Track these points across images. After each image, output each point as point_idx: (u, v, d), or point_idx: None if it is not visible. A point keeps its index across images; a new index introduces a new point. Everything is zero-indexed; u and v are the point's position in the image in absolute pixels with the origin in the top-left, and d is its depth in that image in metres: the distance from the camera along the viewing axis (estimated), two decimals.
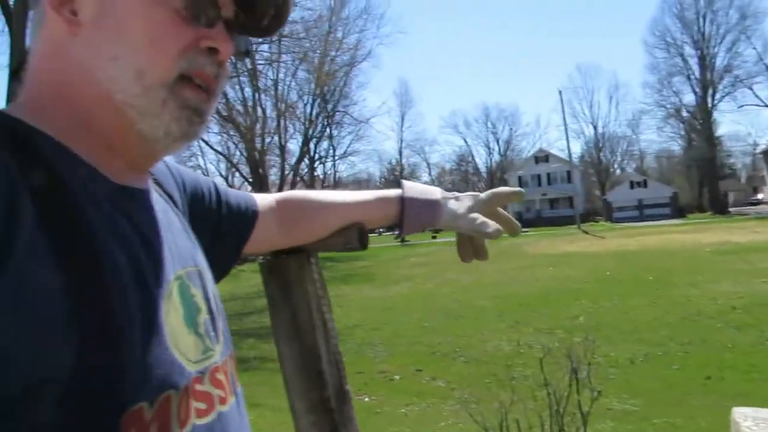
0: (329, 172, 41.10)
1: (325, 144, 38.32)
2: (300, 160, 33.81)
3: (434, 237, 33.43)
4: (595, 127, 66.19)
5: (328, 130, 36.12)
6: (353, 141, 40.54)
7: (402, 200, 0.94)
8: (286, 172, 32.59)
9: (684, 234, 23.25)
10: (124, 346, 0.49)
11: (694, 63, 53.48)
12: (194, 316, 0.61)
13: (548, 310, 9.99)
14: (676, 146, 63.58)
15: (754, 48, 49.34)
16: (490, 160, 69.09)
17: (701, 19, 52.47)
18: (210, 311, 0.65)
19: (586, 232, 30.51)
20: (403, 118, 61.44)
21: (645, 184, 54.09)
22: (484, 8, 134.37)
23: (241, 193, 0.93)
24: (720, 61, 52.01)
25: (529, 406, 3.66)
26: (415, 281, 15.94)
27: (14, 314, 0.43)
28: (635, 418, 4.99)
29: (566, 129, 42.98)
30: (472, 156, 70.80)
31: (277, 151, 32.22)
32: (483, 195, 0.95)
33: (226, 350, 0.66)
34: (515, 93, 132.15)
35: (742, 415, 2.37)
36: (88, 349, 0.46)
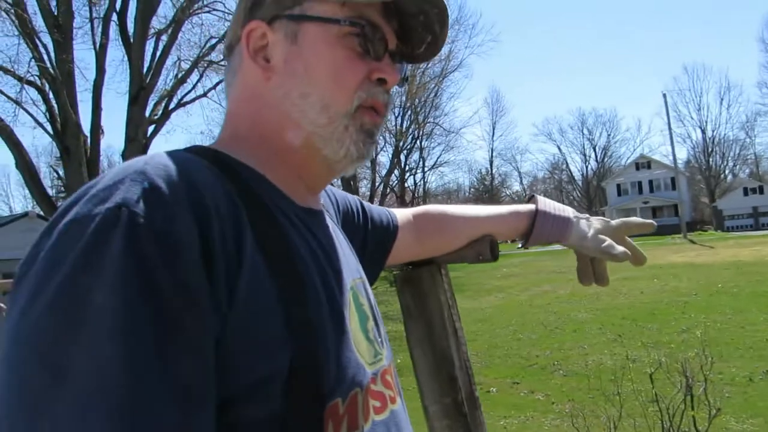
0: (419, 183, 41.16)
1: (415, 155, 38.47)
2: (390, 172, 34.14)
3: (526, 248, 32.46)
4: (703, 131, 61.54)
5: (418, 142, 36.23)
6: (443, 152, 40.37)
7: (535, 213, 0.99)
8: (377, 184, 33.05)
9: None
10: (322, 349, 0.57)
11: None
12: (365, 323, 0.69)
13: (654, 324, 9.47)
14: None
15: None
16: (586, 167, 66.29)
17: None
18: (374, 319, 0.73)
19: (693, 242, 28.56)
20: (494, 127, 60.27)
21: (761, 190, 49.65)
22: (579, 8, 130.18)
23: (381, 208, 1.02)
24: None
25: (638, 422, 3.52)
26: (509, 292, 15.63)
27: (247, 319, 0.52)
28: None
29: (671, 134, 39.94)
30: (567, 164, 68.33)
31: (368, 164, 32.74)
32: (614, 222, 0.99)
33: (389, 354, 0.73)
34: (613, 97, 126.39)
35: None
36: (298, 352, 0.54)
